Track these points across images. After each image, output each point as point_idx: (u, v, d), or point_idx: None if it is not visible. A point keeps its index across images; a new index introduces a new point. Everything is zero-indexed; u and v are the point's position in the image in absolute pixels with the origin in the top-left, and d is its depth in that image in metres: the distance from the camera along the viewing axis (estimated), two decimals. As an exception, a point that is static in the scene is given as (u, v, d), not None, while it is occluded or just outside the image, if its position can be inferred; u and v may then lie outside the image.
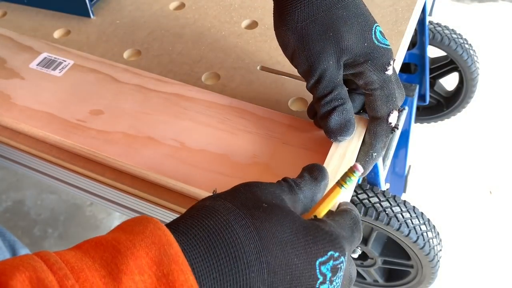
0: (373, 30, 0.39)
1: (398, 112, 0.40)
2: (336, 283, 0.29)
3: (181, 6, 0.64)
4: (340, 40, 0.38)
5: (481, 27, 1.53)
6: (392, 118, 0.40)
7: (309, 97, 0.51)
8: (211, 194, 0.32)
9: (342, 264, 0.30)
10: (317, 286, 0.28)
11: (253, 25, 0.60)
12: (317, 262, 0.28)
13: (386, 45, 0.39)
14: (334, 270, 0.29)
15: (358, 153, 0.41)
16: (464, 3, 1.63)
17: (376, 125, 0.40)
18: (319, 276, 0.28)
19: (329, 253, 0.29)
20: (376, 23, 0.39)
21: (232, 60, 0.56)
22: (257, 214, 0.28)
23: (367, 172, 0.43)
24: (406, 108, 0.45)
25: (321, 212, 0.33)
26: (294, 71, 0.53)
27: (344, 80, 0.42)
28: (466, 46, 0.95)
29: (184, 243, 0.26)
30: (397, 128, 0.40)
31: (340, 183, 0.33)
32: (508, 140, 1.24)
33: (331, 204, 0.34)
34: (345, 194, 0.40)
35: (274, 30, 0.41)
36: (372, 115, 0.40)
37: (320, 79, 0.39)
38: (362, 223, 0.35)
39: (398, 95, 0.40)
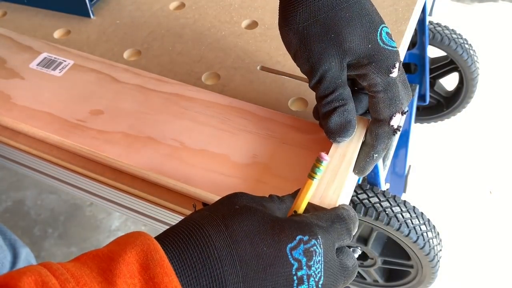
0: (379, 32, 0.38)
1: (402, 115, 0.40)
2: (316, 268, 0.30)
3: (181, 6, 0.64)
4: (342, 41, 0.37)
5: (481, 27, 1.53)
6: (395, 121, 0.39)
7: (309, 97, 0.51)
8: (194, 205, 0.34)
9: (315, 247, 0.30)
10: (293, 272, 0.29)
11: (253, 25, 0.60)
12: (287, 248, 0.29)
13: (392, 47, 0.38)
14: (308, 254, 0.30)
15: (359, 153, 0.41)
16: (464, 3, 1.63)
17: (378, 127, 0.40)
18: (292, 262, 0.29)
19: (297, 238, 0.30)
20: (384, 24, 0.38)
21: (232, 60, 0.56)
22: (227, 213, 0.31)
23: (368, 172, 0.43)
24: (407, 108, 0.45)
25: (300, 206, 0.34)
26: (294, 71, 0.53)
27: (352, 79, 0.41)
28: (466, 46, 0.95)
29: (164, 250, 0.28)
30: (399, 130, 0.40)
31: (311, 175, 0.34)
32: (508, 140, 1.25)
33: (306, 196, 0.35)
34: (344, 198, 0.40)
35: (278, 29, 0.41)
36: (374, 117, 0.40)
37: (321, 80, 0.39)
38: (361, 223, 0.35)
39: (404, 96, 0.39)
